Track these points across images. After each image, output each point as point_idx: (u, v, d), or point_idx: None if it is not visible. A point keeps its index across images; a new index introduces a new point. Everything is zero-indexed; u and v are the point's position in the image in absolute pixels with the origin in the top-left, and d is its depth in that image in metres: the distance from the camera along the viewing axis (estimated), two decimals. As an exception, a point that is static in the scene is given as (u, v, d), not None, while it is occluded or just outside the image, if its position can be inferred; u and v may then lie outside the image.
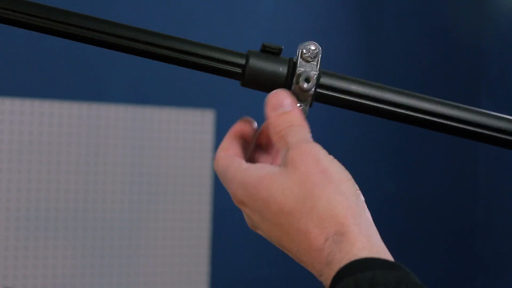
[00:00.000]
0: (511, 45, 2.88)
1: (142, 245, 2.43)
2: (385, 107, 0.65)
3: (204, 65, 0.64)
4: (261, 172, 0.57)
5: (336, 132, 2.73)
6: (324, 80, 0.63)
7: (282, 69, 0.63)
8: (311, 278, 0.54)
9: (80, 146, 2.35)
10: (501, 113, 0.66)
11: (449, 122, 0.64)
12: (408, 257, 2.73)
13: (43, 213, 2.30)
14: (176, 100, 2.48)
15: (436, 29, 2.92)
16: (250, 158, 0.64)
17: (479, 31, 2.96)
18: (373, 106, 0.65)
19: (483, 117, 0.64)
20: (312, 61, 0.62)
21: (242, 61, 0.63)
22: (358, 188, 0.55)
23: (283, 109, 0.60)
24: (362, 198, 0.55)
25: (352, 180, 0.55)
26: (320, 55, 0.62)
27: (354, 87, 0.64)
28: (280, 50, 0.63)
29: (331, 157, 0.56)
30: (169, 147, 2.45)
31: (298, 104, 0.62)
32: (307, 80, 0.61)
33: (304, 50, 0.62)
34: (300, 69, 0.62)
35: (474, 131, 0.64)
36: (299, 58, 0.62)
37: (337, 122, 2.73)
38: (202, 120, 2.49)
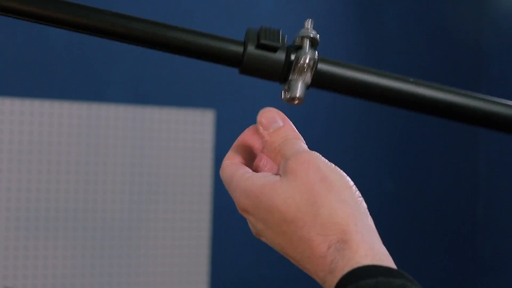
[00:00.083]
0: (511, 45, 2.88)
1: (142, 245, 2.43)
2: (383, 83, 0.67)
3: (203, 52, 0.65)
4: (263, 180, 0.57)
5: (336, 132, 2.73)
6: (322, 65, 0.65)
7: (280, 56, 0.63)
8: (311, 278, 0.54)
9: (80, 146, 2.35)
10: None
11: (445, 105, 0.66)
12: (408, 257, 2.74)
13: (43, 213, 2.30)
14: (176, 100, 2.48)
15: (436, 29, 2.91)
16: (257, 167, 0.64)
17: (479, 31, 2.96)
18: (374, 83, 0.67)
19: (474, 101, 0.67)
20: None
21: (240, 49, 0.63)
22: (360, 195, 0.55)
23: (276, 125, 0.60)
24: (365, 205, 0.55)
25: (354, 187, 0.55)
26: (318, 42, 0.64)
27: (352, 70, 0.66)
28: (276, 48, 0.63)
29: (331, 164, 0.56)
30: (169, 147, 2.45)
31: (300, 82, 0.63)
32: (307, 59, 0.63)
33: (302, 37, 0.64)
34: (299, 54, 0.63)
35: (467, 114, 0.67)
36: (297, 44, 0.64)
37: (337, 122, 2.73)
38: (202, 120, 2.49)
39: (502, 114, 0.67)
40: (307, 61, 0.63)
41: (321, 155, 0.56)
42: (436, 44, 2.91)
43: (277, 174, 0.58)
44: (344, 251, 0.51)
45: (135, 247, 2.42)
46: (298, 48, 0.64)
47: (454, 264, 2.95)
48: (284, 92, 0.66)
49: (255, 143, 0.64)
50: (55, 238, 2.31)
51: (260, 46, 0.63)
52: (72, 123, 2.34)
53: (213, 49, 0.64)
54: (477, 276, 2.94)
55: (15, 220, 2.28)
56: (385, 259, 0.51)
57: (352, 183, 0.55)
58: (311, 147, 0.59)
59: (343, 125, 2.75)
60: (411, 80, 0.67)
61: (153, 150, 2.44)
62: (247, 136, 0.64)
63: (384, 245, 0.53)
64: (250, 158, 0.64)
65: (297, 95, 0.64)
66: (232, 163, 0.62)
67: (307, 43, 0.63)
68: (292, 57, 0.64)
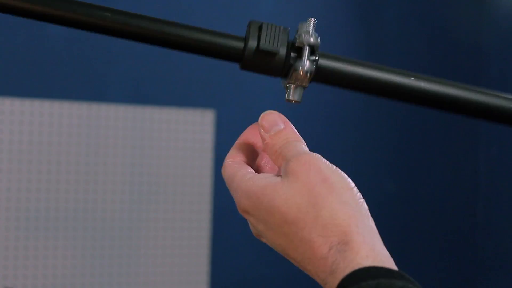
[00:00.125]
0: (511, 45, 2.87)
1: (142, 245, 2.43)
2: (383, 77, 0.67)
3: (204, 48, 0.65)
4: (264, 181, 0.57)
5: (336, 132, 2.73)
6: (323, 61, 0.65)
7: (282, 51, 0.63)
8: (311, 279, 0.54)
9: (80, 146, 2.35)
10: None
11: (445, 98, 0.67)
12: (408, 257, 2.74)
13: (43, 213, 2.30)
14: (176, 100, 2.48)
15: (436, 29, 2.91)
16: (259, 166, 0.65)
17: (479, 31, 2.95)
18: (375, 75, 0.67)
19: (471, 93, 0.67)
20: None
21: (241, 45, 0.64)
22: (361, 196, 0.55)
23: (277, 127, 0.60)
24: (366, 206, 0.55)
25: (355, 188, 0.55)
26: (318, 46, 0.64)
27: (353, 65, 0.67)
28: (275, 53, 0.63)
29: (332, 166, 0.56)
30: (169, 147, 2.45)
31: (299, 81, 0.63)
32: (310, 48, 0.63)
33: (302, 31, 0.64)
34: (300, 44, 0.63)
35: (465, 107, 0.67)
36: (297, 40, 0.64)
37: (337, 122, 2.73)
38: (202, 120, 2.49)
39: (503, 107, 0.69)
40: (303, 72, 0.63)
41: (322, 157, 0.56)
42: (436, 44, 2.91)
43: (278, 175, 0.58)
44: (345, 253, 0.51)
45: (135, 247, 2.42)
46: (298, 49, 0.64)
47: (454, 264, 2.95)
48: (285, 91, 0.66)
49: (257, 141, 0.64)
50: (55, 238, 2.31)
51: (259, 51, 0.63)
52: (72, 123, 2.34)
53: (214, 44, 0.65)
54: (477, 276, 2.94)
55: (15, 220, 2.28)
56: (386, 261, 0.51)
57: (353, 184, 0.55)
58: (311, 147, 0.59)
59: (343, 125, 2.75)
60: (412, 76, 0.68)
61: (153, 150, 2.44)
62: (249, 134, 0.64)
63: (384, 245, 0.53)
64: (252, 157, 0.63)
65: (294, 99, 0.65)
66: (234, 162, 0.62)
67: (306, 52, 0.63)
68: (293, 55, 0.64)
